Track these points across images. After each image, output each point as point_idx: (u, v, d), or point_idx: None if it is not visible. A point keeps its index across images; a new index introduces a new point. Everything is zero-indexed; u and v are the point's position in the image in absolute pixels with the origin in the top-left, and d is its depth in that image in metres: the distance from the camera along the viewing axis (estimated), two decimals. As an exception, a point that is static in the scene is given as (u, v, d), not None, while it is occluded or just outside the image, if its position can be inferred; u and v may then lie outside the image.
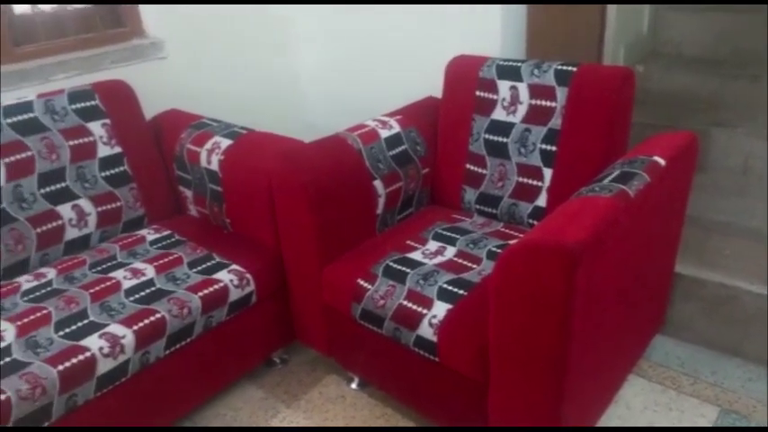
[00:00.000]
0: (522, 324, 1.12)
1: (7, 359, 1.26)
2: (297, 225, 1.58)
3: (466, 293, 1.39)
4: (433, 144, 1.88)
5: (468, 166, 1.80)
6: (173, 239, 1.77)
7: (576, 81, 1.60)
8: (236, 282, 1.58)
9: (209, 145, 1.80)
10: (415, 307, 1.39)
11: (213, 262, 1.63)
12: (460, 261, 1.52)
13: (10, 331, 1.34)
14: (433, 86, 1.93)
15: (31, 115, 1.68)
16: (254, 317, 1.67)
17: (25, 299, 1.47)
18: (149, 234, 1.80)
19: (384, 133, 1.77)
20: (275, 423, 1.64)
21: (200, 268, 1.60)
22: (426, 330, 1.35)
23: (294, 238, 1.62)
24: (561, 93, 1.62)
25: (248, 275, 1.61)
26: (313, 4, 2.42)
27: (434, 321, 1.34)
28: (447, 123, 1.86)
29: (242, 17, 2.34)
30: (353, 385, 1.75)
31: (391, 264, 1.53)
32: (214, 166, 1.77)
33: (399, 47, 2.24)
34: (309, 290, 1.64)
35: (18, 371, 1.23)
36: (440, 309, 1.36)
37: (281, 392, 1.75)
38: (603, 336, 1.28)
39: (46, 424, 1.25)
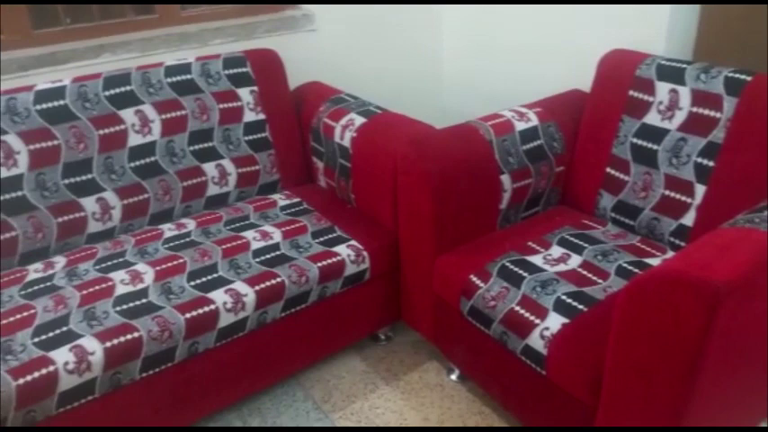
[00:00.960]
0: (646, 356, 1.03)
1: (144, 300, 1.40)
2: (416, 211, 1.58)
3: (586, 309, 1.31)
4: (571, 141, 1.77)
5: (608, 169, 1.68)
6: (301, 207, 1.84)
7: (749, 92, 1.41)
8: (353, 257, 1.61)
9: (344, 121, 1.84)
10: (527, 315, 1.33)
11: (334, 235, 1.68)
12: (585, 273, 1.43)
13: (149, 275, 1.48)
14: (580, 80, 1.80)
15: (189, 77, 1.81)
16: (366, 293, 1.70)
17: (166, 246, 1.62)
18: (281, 199, 1.89)
19: (520, 126, 1.69)
20: (373, 398, 1.67)
21: (322, 239, 1.65)
22: (536, 341, 1.29)
23: (412, 223, 1.61)
24: (729, 103, 1.44)
25: (365, 253, 1.63)
26: (461, 3, 2.36)
27: (546, 334, 1.28)
28: (591, 121, 1.74)
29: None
30: (453, 376, 1.74)
31: (508, 264, 1.48)
32: (346, 142, 1.80)
33: (547, 35, 2.11)
34: (421, 276, 1.64)
35: (152, 313, 1.36)
36: (554, 321, 1.29)
37: (382, 369, 1.78)
38: (736, 387, 1.14)
39: (168, 365, 1.37)
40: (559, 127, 1.75)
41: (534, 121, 1.72)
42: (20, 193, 1.54)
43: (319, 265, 1.56)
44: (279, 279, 1.50)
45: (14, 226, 1.53)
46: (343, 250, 1.61)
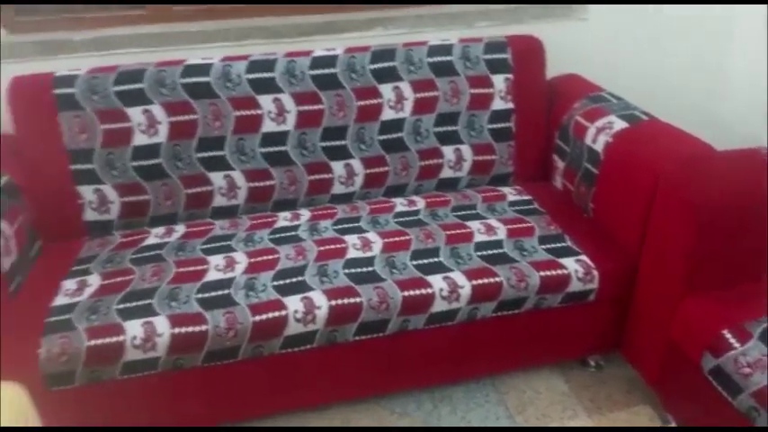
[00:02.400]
0: None
1: (370, 268, 1.46)
2: (670, 241, 1.38)
3: None
4: None
5: None
6: (531, 206, 1.75)
7: None
8: (580, 274, 1.49)
9: (600, 122, 1.69)
10: (792, 397, 1.09)
11: (563, 245, 1.57)
12: None
13: (378, 245, 1.55)
14: None
15: (449, 58, 1.81)
16: (586, 314, 1.57)
17: (395, 220, 1.67)
18: (511, 194, 1.83)
19: (827, 164, 1.37)
20: (570, 425, 1.56)
21: (548, 246, 1.56)
22: (799, 434, 1.06)
23: (661, 254, 1.42)
24: None
25: (595, 272, 1.50)
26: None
27: (815, 429, 1.03)
28: None
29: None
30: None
31: (776, 328, 1.23)
32: (598, 146, 1.65)
33: None
34: (657, 313, 1.45)
35: (375, 282, 1.42)
36: (830, 417, 1.04)
37: (585, 397, 1.64)
38: None
39: (379, 335, 1.42)
40: None
41: None
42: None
43: (542, 274, 1.47)
44: (497, 279, 1.45)
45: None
46: (570, 264, 1.50)
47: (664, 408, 1.53)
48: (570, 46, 2.04)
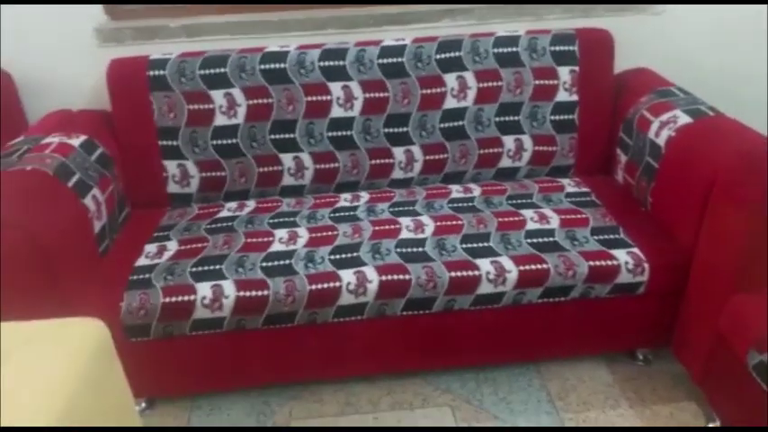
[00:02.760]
0: None
1: (420, 249, 1.54)
2: (725, 237, 1.37)
3: None
4: None
5: None
6: (588, 198, 1.77)
7: None
8: (630, 266, 1.50)
9: (665, 116, 1.67)
10: (834, 400, 1.07)
11: (616, 236, 1.58)
12: None
13: (430, 227, 1.62)
14: None
15: (515, 49, 1.84)
16: (634, 306, 1.58)
17: (450, 205, 1.74)
18: (569, 185, 1.84)
19: None
20: (612, 415, 1.58)
21: (601, 237, 1.57)
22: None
23: (717, 249, 1.41)
24: None
25: (646, 265, 1.50)
26: None
27: None
28: None
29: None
30: (713, 425, 1.52)
31: (829, 332, 1.20)
32: (661, 140, 1.64)
33: None
34: (707, 309, 1.44)
35: (424, 262, 1.49)
36: None
37: (629, 389, 1.65)
38: None
39: (426, 312, 1.50)
40: None
41: None
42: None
43: (591, 264, 1.49)
44: (545, 266, 1.49)
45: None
46: (621, 255, 1.51)
47: (709, 404, 1.52)
48: (643, 39, 2.01)
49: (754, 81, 2.12)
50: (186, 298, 1.44)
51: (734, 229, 1.33)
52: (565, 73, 1.86)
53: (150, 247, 1.61)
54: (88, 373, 0.80)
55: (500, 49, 1.85)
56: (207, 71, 1.77)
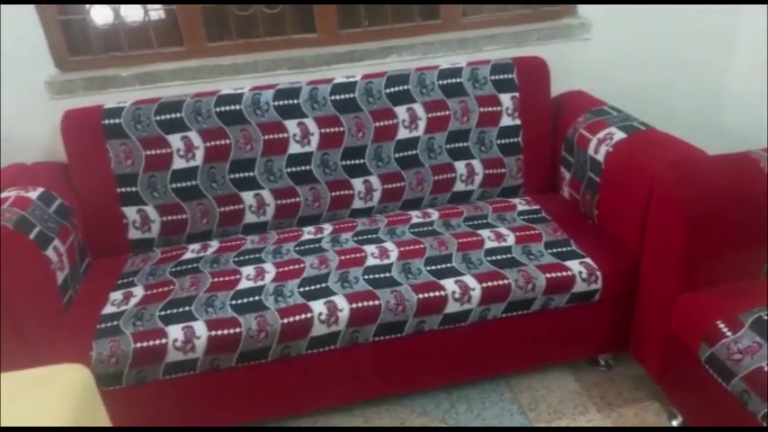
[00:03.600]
0: None
1: (387, 274, 1.59)
2: (666, 242, 1.48)
3: None
4: None
5: None
6: (539, 215, 1.87)
7: None
8: (584, 275, 1.59)
9: (601, 134, 1.80)
10: (777, 379, 1.17)
11: (569, 249, 1.67)
12: None
13: (394, 253, 1.68)
14: None
15: (458, 80, 1.95)
16: (592, 314, 1.67)
17: (412, 231, 1.80)
18: (520, 204, 1.94)
19: (814, 165, 1.46)
20: (582, 420, 1.64)
21: (554, 251, 1.67)
22: (783, 412, 1.13)
23: (660, 253, 1.52)
24: None
25: (598, 273, 1.60)
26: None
27: (797, 407, 1.11)
28: None
29: (682, 8, 2.18)
30: (675, 422, 1.61)
31: (766, 318, 1.31)
32: (600, 156, 1.76)
33: None
34: (658, 310, 1.54)
35: (392, 287, 1.54)
36: (811, 395, 1.12)
37: (596, 394, 1.73)
38: None
39: (397, 336, 1.54)
40: None
41: (836, 161, 1.46)
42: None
43: (548, 276, 1.58)
44: (506, 281, 1.56)
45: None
46: (575, 266, 1.60)
47: (669, 401, 1.61)
48: (575, 64, 2.17)
49: (677, 95, 2.30)
50: (158, 342, 1.44)
51: (673, 234, 1.44)
52: (506, 99, 1.98)
53: (115, 295, 1.60)
54: (77, 417, 0.80)
55: (445, 81, 1.95)
56: (162, 116, 1.80)
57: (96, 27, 1.96)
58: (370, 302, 1.51)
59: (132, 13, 1.96)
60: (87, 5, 1.91)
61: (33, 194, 1.62)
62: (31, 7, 1.83)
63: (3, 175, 1.74)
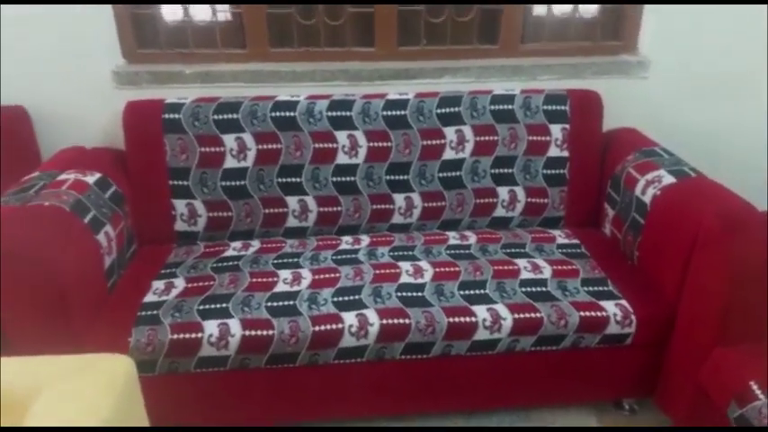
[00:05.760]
0: None
1: (419, 294, 1.61)
2: (706, 293, 1.47)
3: None
4: None
5: None
6: (578, 250, 1.86)
7: None
8: (618, 317, 1.58)
9: (650, 176, 1.78)
10: (808, 452, 1.15)
11: (605, 288, 1.66)
12: None
13: (429, 272, 1.70)
14: None
15: (510, 107, 1.96)
16: (622, 357, 1.65)
17: (448, 252, 1.82)
18: (560, 237, 1.94)
19: None
20: (599, 462, 1.63)
21: (590, 289, 1.66)
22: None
23: (699, 304, 1.50)
24: None
25: (633, 317, 1.58)
26: None
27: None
28: None
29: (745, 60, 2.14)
30: (696, 478, 1.58)
31: (803, 386, 1.28)
32: (647, 198, 1.75)
33: None
34: (689, 361, 1.52)
35: (422, 307, 1.56)
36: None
37: (617, 438, 1.71)
38: None
39: (424, 356, 1.56)
40: None
41: None
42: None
43: (581, 314, 1.57)
44: (538, 315, 1.56)
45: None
46: (610, 307, 1.59)
47: (693, 455, 1.58)
48: (629, 101, 2.15)
49: (732, 144, 2.26)
50: (193, 335, 1.49)
51: (714, 286, 1.43)
52: (557, 130, 1.97)
53: (158, 284, 1.66)
54: (119, 407, 0.85)
55: (496, 106, 1.96)
56: (220, 116, 1.86)
57: (165, 23, 2.04)
58: (401, 320, 1.53)
59: (201, 13, 2.03)
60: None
61: (91, 179, 1.70)
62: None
63: (63, 155, 1.83)
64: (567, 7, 2.14)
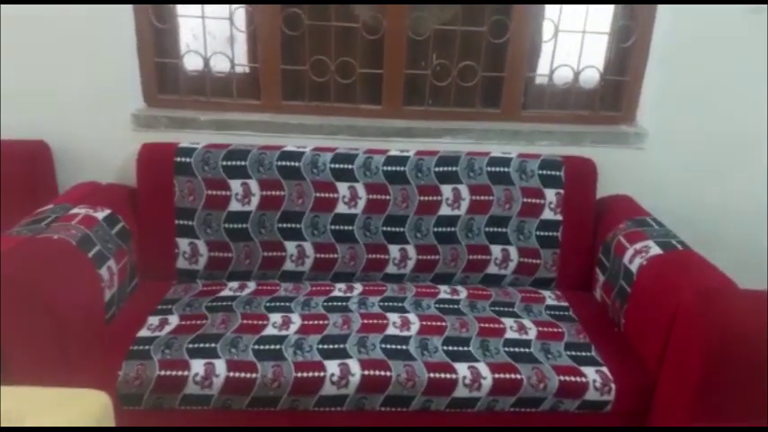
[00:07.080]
0: None
1: (403, 346, 1.65)
2: (685, 368, 1.48)
3: None
4: None
5: None
6: (566, 313, 1.89)
7: None
8: (598, 384, 1.59)
9: (638, 245, 1.82)
10: None
11: (587, 354, 1.68)
12: None
13: (415, 326, 1.74)
14: None
15: (506, 170, 2.03)
16: (601, 423, 1.65)
17: (437, 305, 1.86)
18: (550, 298, 1.97)
19: None
20: None
21: (573, 353, 1.68)
22: None
23: (677, 376, 1.52)
24: None
25: (613, 385, 1.60)
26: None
27: None
28: None
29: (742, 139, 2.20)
30: None
31: (773, 468, 1.28)
32: (634, 267, 1.78)
33: None
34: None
35: (404, 360, 1.60)
36: None
37: (595, 507, 1.69)
38: None
39: (404, 410, 1.59)
40: None
41: None
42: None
43: (561, 378, 1.59)
44: (518, 376, 1.59)
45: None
46: (591, 373, 1.61)
47: None
48: (625, 170, 2.21)
49: (722, 220, 2.30)
50: (180, 373, 1.54)
51: (691, 360, 1.44)
52: (551, 194, 2.03)
53: (153, 319, 1.73)
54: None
55: (493, 168, 2.03)
56: (229, 162, 1.96)
57: (186, 72, 2.17)
58: (382, 372, 1.56)
59: (220, 65, 2.16)
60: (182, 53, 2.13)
61: (101, 215, 1.79)
62: (132, 47, 2.05)
63: (77, 190, 1.93)
64: (569, 77, 2.23)
